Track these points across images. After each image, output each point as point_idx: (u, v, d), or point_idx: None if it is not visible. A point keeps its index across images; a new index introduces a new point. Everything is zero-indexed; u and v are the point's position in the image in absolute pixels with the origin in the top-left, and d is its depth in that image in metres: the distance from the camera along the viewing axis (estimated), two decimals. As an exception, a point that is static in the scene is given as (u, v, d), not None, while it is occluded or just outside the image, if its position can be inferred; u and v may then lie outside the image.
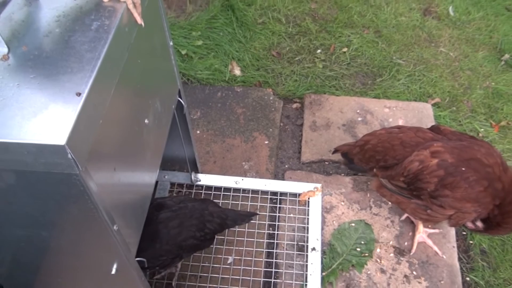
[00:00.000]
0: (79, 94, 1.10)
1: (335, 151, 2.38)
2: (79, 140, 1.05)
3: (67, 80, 1.14)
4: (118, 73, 1.30)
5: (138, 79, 1.49)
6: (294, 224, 2.34)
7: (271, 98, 2.96)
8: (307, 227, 2.28)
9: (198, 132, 2.75)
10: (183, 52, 3.16)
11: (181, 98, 2.00)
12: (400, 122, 2.80)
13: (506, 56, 3.34)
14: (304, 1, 3.63)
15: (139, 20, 1.36)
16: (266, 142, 2.71)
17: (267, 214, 2.39)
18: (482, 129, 2.87)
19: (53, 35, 1.25)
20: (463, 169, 1.86)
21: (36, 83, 1.14)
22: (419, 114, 2.85)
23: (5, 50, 1.20)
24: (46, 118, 1.04)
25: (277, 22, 3.47)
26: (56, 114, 1.04)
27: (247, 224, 2.29)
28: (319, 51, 3.31)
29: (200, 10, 3.46)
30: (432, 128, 2.13)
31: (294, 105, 2.97)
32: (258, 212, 2.29)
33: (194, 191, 2.45)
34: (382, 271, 2.22)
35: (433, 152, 1.92)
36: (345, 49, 3.33)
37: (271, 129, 2.77)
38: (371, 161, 2.18)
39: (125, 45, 1.34)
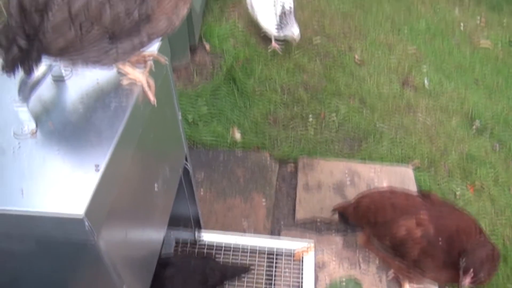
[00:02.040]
0: (97, 167, 1.12)
1: (334, 209, 2.42)
2: (96, 211, 1.05)
3: (87, 154, 1.17)
4: (133, 146, 1.32)
5: (150, 149, 1.51)
6: (289, 280, 2.30)
7: (268, 161, 2.98)
8: (301, 283, 2.24)
9: (202, 192, 2.75)
10: (190, 118, 3.22)
11: (187, 163, 2.02)
12: (385, 184, 2.81)
13: (477, 122, 3.40)
14: (297, 73, 3.74)
15: (153, 100, 1.40)
16: (264, 201, 2.70)
17: (264, 270, 2.35)
18: (459, 191, 2.88)
19: (76, 113, 1.28)
20: (440, 241, 1.86)
21: (59, 157, 1.16)
22: (401, 177, 2.87)
23: (34, 126, 1.23)
24: (67, 190, 1.05)
25: (273, 91, 3.56)
26: (76, 186, 1.06)
27: (245, 281, 2.24)
28: (310, 118, 3.37)
29: (205, 81, 3.56)
30: (422, 194, 2.16)
31: (289, 168, 3.00)
32: (254, 267, 2.26)
33: (197, 247, 2.42)
34: (372, 325, 2.15)
35: (418, 221, 1.92)
36: (333, 116, 3.39)
37: (268, 190, 2.77)
38: (363, 219, 2.18)
39: (140, 122, 1.37)
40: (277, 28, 3.65)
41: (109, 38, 1.18)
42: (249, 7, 3.87)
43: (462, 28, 4.41)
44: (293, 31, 3.63)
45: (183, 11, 1.23)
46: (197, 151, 3.06)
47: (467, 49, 4.16)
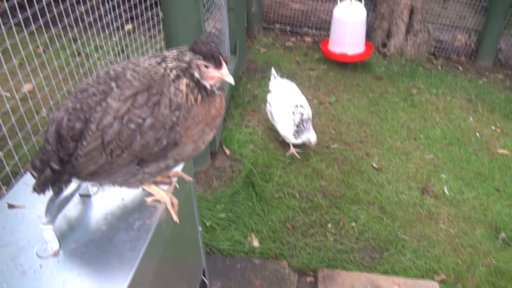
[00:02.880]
0: (116, 292, 1.10)
1: None
2: None
3: (108, 278, 1.15)
4: (154, 267, 1.31)
5: (169, 267, 1.49)
6: None
7: (286, 271, 2.89)
8: None
9: (217, 303, 2.64)
10: (208, 223, 3.20)
11: (205, 277, 1.97)
12: (410, 300, 2.66)
13: (502, 234, 3.30)
14: (315, 179, 3.76)
15: (176, 218, 1.41)
16: (282, 316, 2.57)
17: None
18: (490, 309, 2.70)
19: (100, 233, 1.29)
20: None
21: (79, 280, 1.15)
22: (427, 291, 2.73)
23: (57, 246, 1.24)
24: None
25: (291, 197, 3.56)
26: (94, 315, 1.03)
27: None
28: (329, 225, 3.32)
29: (224, 186, 3.60)
30: None
31: (308, 279, 2.89)
32: None
33: None
34: None
35: None
36: (353, 224, 3.34)
37: (286, 303, 2.65)
38: None
39: (162, 241, 1.37)
40: (294, 136, 3.77)
41: (137, 163, 1.23)
42: (269, 114, 4.04)
43: (478, 135, 4.47)
44: (310, 137, 3.74)
45: (209, 137, 1.29)
46: (214, 257, 3.00)
47: (485, 156, 4.18)
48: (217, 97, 1.27)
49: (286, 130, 3.81)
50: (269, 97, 4.04)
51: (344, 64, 5.47)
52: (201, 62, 1.23)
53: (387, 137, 4.33)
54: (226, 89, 4.04)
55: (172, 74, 1.20)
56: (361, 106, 4.76)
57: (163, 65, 1.22)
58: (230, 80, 1.25)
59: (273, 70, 4.13)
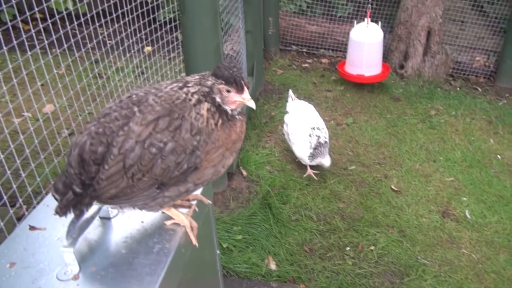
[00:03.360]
0: (135, 318, 1.08)
1: None
2: None
3: (126, 303, 1.14)
4: (172, 292, 1.29)
5: (187, 292, 1.47)
6: None
7: (304, 295, 2.84)
8: None
9: (234, 328, 2.59)
10: (225, 245, 3.17)
11: (222, 302, 1.94)
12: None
13: (528, 261, 3.19)
14: (333, 201, 3.72)
15: (195, 242, 1.40)
16: None
17: None
18: None
19: (120, 256, 1.29)
20: None
21: (99, 305, 1.14)
22: (450, 319, 2.64)
23: (77, 270, 1.24)
24: None
25: (309, 219, 3.52)
26: None
27: None
28: (348, 248, 3.26)
29: (241, 207, 3.58)
30: None
31: (327, 304, 2.83)
32: None
33: None
34: None
35: None
36: (372, 247, 3.28)
37: (304, 329, 2.59)
38: None
39: (181, 265, 1.36)
40: (309, 158, 3.76)
41: (157, 187, 1.23)
42: (285, 135, 4.03)
43: (499, 158, 4.38)
44: (324, 162, 3.74)
45: (229, 161, 1.29)
46: (230, 280, 2.96)
47: (507, 179, 4.09)
48: (237, 122, 1.28)
49: (302, 152, 3.80)
50: (286, 118, 4.04)
51: (361, 85, 5.46)
52: (223, 87, 1.24)
53: (406, 159, 4.27)
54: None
55: (194, 99, 1.21)
56: (379, 128, 4.73)
57: (185, 89, 1.23)
58: (252, 104, 1.26)
59: (290, 92, 4.15)
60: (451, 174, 4.09)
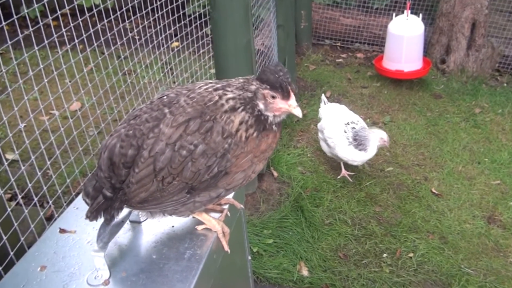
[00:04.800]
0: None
1: None
2: None
3: (158, 310, 1.15)
4: (203, 300, 1.30)
5: (218, 300, 1.47)
6: None
7: (338, 303, 2.81)
8: None
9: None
10: (255, 249, 3.18)
11: (253, 309, 1.94)
12: None
13: None
14: (369, 204, 3.67)
15: (227, 248, 1.40)
16: None
17: None
18: None
19: (150, 262, 1.30)
20: None
21: (129, 312, 1.15)
22: (497, 334, 2.55)
23: (107, 275, 1.26)
24: None
25: (343, 223, 3.48)
26: None
27: None
28: (385, 255, 3.21)
29: (272, 210, 3.57)
30: None
31: (362, 313, 2.79)
32: None
33: None
34: None
35: None
36: (411, 254, 3.21)
37: None
38: None
39: (212, 272, 1.36)
40: (363, 150, 3.57)
41: (188, 192, 1.24)
42: (322, 144, 3.86)
43: (551, 159, 4.22)
44: (381, 136, 3.56)
45: (259, 167, 1.28)
46: (261, 286, 2.96)
47: (560, 183, 3.93)
48: (271, 133, 1.26)
49: (348, 151, 3.63)
50: (320, 125, 3.87)
51: (399, 82, 5.35)
52: (267, 92, 1.22)
53: (448, 160, 4.16)
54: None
55: (228, 105, 1.20)
56: (418, 127, 4.63)
57: (220, 91, 1.22)
58: (298, 113, 1.23)
59: (323, 97, 4.04)
60: (497, 176, 3.96)
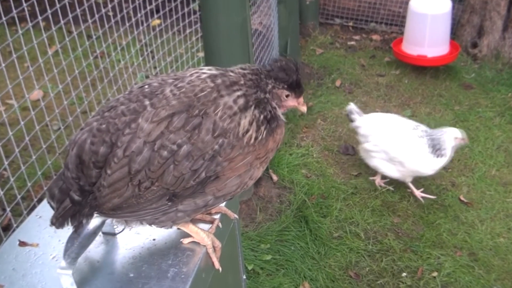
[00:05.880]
0: None
1: None
2: None
3: None
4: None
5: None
6: None
7: (348, 331, 2.83)
8: None
9: None
10: (250, 267, 3.19)
11: (248, 337, 1.96)
12: None
13: None
14: (386, 215, 3.69)
15: (218, 265, 1.41)
16: None
17: None
18: None
19: (127, 281, 1.31)
20: None
21: None
22: None
23: (77, 297, 1.26)
24: None
25: (355, 237, 3.50)
26: None
27: None
28: (404, 274, 3.24)
29: (270, 220, 3.59)
30: None
31: None
32: None
33: None
34: None
35: None
36: (435, 274, 3.24)
37: None
38: None
39: (200, 294, 1.37)
40: (442, 156, 3.57)
41: (169, 199, 1.25)
42: (376, 163, 3.78)
43: None
44: (455, 135, 3.57)
45: (258, 172, 1.29)
46: (256, 310, 2.98)
47: None
48: (279, 129, 1.31)
49: (426, 161, 3.59)
50: (376, 144, 3.72)
51: (422, 69, 5.38)
52: (282, 92, 1.30)
53: (479, 162, 4.20)
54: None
55: (240, 102, 1.22)
56: (445, 122, 4.65)
57: (220, 82, 1.23)
58: (304, 109, 1.36)
59: (352, 107, 3.84)
60: (538, 182, 4.00)
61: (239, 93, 1.22)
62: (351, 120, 3.83)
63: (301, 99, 1.34)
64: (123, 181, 1.22)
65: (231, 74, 1.26)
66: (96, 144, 1.23)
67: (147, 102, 1.23)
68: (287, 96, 1.31)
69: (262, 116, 1.24)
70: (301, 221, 3.56)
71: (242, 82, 1.25)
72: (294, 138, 4.42)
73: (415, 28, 5.18)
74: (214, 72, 1.26)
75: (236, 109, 1.20)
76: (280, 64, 1.28)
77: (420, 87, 5.20)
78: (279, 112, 1.30)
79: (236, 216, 1.58)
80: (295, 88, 1.30)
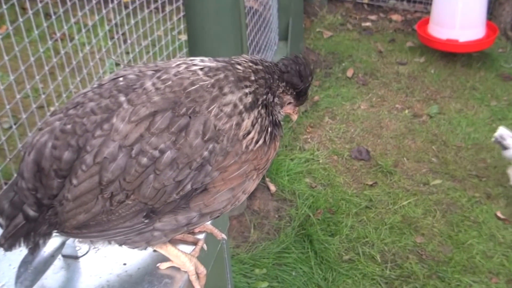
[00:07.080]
0: None
1: None
2: None
3: None
4: None
5: None
6: None
7: None
8: None
9: None
10: (241, 296, 3.21)
11: None
12: None
13: None
14: (407, 233, 3.70)
15: (202, 297, 1.42)
16: None
17: None
18: None
19: (93, 315, 1.32)
20: None
21: None
22: None
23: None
24: None
25: (369, 260, 3.51)
26: None
27: None
28: (428, 305, 3.26)
29: (267, 239, 3.60)
30: None
31: None
32: None
33: None
34: None
35: None
36: (466, 305, 3.26)
37: None
38: None
39: (181, 330, 1.38)
40: None
41: (146, 216, 1.25)
42: None
43: None
44: None
45: (253, 186, 1.31)
46: None
47: None
48: (278, 136, 1.36)
49: None
50: None
51: (452, 56, 5.40)
52: (288, 98, 1.37)
53: (520, 170, 4.22)
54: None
55: (249, 101, 1.25)
56: (479, 121, 4.68)
57: (220, 76, 1.26)
58: (295, 118, 1.47)
59: (504, 130, 3.89)
60: None
61: (247, 90, 1.25)
62: (505, 148, 3.84)
63: (297, 108, 1.42)
64: (92, 194, 1.23)
65: (239, 68, 1.28)
66: (59, 148, 1.23)
67: (122, 98, 1.24)
68: (289, 103, 1.37)
69: (267, 120, 1.29)
70: (304, 240, 3.56)
71: (253, 78, 1.27)
72: (297, 139, 4.43)
73: (445, 7, 5.20)
74: (211, 64, 1.27)
75: (241, 107, 1.23)
76: (298, 68, 1.33)
77: (449, 78, 5.22)
78: (280, 118, 1.36)
79: (224, 236, 1.59)
80: (301, 96, 1.37)
